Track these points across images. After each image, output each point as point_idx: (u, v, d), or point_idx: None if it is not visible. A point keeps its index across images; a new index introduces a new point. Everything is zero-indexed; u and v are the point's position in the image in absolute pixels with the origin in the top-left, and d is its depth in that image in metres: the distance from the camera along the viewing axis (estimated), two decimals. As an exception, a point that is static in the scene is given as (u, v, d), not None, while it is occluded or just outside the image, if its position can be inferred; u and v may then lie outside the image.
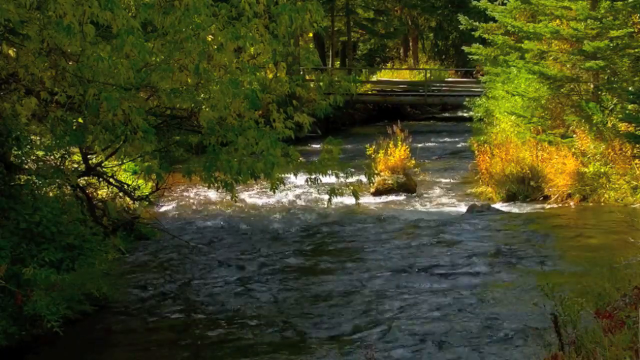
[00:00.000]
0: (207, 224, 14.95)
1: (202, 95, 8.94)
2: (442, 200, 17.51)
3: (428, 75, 38.53)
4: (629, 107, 16.35)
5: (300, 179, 11.40)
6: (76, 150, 11.62)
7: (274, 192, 9.39)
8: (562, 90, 17.58)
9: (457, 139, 27.28)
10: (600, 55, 16.41)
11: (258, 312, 9.83)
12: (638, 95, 15.99)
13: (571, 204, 15.84)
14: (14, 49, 8.43)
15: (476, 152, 18.45)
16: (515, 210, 15.85)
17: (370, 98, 34.32)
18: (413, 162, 18.59)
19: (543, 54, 17.84)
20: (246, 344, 8.81)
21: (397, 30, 43.46)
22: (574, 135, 16.81)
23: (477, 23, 21.40)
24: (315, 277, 11.42)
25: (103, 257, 10.13)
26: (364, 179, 10.43)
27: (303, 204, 16.90)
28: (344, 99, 10.47)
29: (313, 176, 9.64)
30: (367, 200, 16.97)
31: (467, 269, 11.43)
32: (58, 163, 10.62)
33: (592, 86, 17.37)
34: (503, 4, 20.60)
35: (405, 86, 36.91)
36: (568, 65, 17.71)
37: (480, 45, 21.18)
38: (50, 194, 10.28)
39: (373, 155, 18.19)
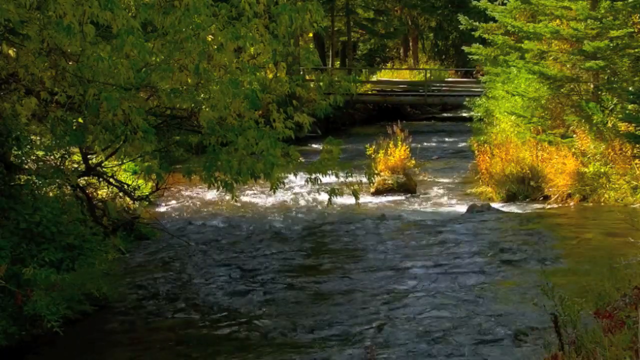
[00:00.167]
0: (207, 224, 14.96)
1: (202, 95, 8.94)
2: (442, 200, 17.52)
3: (428, 75, 38.54)
4: (629, 107, 16.35)
5: (300, 179, 11.41)
6: (76, 150, 11.63)
7: (274, 192, 9.39)
8: (562, 90, 17.59)
9: (457, 139, 27.29)
10: (600, 55, 16.42)
11: (258, 312, 9.83)
12: (638, 95, 15.99)
13: (571, 204, 15.84)
14: (14, 49, 8.43)
15: (476, 152, 18.46)
16: (515, 210, 15.85)
17: (370, 98, 34.32)
18: (413, 162, 18.61)
19: (543, 54, 17.85)
20: (246, 343, 8.81)
21: (397, 30, 43.47)
22: (574, 135, 16.81)
23: (477, 23, 21.40)
24: (315, 276, 11.43)
25: (103, 257, 10.13)
26: (364, 179, 10.43)
27: (303, 203, 16.91)
28: (344, 99, 10.47)
29: (313, 176, 9.65)
30: (367, 200, 16.98)
31: (466, 269, 11.43)
32: (58, 163, 10.63)
33: (592, 86, 17.38)
34: (503, 4, 20.60)
35: (405, 86, 36.91)
36: (568, 65, 17.72)
37: (480, 45, 21.19)
38: (50, 194, 10.29)
39: (373, 155, 18.21)
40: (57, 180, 10.22)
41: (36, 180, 9.84)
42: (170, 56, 8.54)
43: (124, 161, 12.62)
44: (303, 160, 10.41)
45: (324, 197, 10.55)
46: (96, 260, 9.60)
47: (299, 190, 17.29)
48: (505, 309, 9.53)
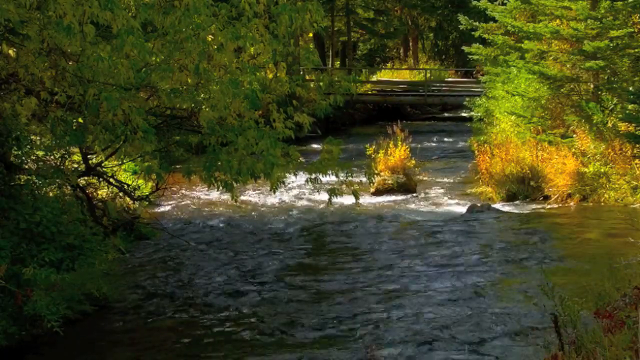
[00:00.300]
0: (207, 224, 14.96)
1: (202, 95, 8.93)
2: (442, 200, 17.52)
3: (428, 75, 38.53)
4: (629, 107, 16.35)
5: (301, 179, 11.41)
6: (76, 150, 11.63)
7: (274, 192, 9.39)
8: (562, 90, 17.59)
9: (457, 139, 27.29)
10: (600, 55, 16.42)
11: (258, 312, 9.83)
12: (638, 95, 15.99)
13: (571, 204, 15.84)
14: (14, 49, 8.42)
15: (476, 152, 18.46)
16: (515, 210, 15.85)
17: (370, 98, 34.32)
18: (413, 162, 18.61)
19: (543, 54, 17.85)
20: (246, 343, 8.82)
21: (397, 30, 43.46)
22: (574, 135, 16.81)
23: (477, 23, 21.40)
24: (315, 276, 11.43)
25: (103, 257, 10.13)
26: (364, 178, 10.43)
27: (303, 203, 16.91)
28: (344, 99, 10.47)
29: (313, 176, 9.65)
30: (367, 200, 16.98)
31: (466, 269, 11.43)
32: (58, 163, 10.62)
33: (592, 86, 17.38)
34: (503, 4, 20.60)
35: (405, 86, 36.91)
36: (568, 65, 17.72)
37: (480, 45, 21.19)
38: (50, 194, 10.28)
39: (373, 155, 18.21)
40: (57, 180, 10.21)
41: (36, 180, 9.84)
42: (170, 56, 8.54)
43: (124, 161, 12.62)
44: (303, 160, 10.41)
45: (323, 197, 10.56)
46: (96, 260, 9.59)
47: (299, 190, 17.29)
48: (505, 308, 9.53)
